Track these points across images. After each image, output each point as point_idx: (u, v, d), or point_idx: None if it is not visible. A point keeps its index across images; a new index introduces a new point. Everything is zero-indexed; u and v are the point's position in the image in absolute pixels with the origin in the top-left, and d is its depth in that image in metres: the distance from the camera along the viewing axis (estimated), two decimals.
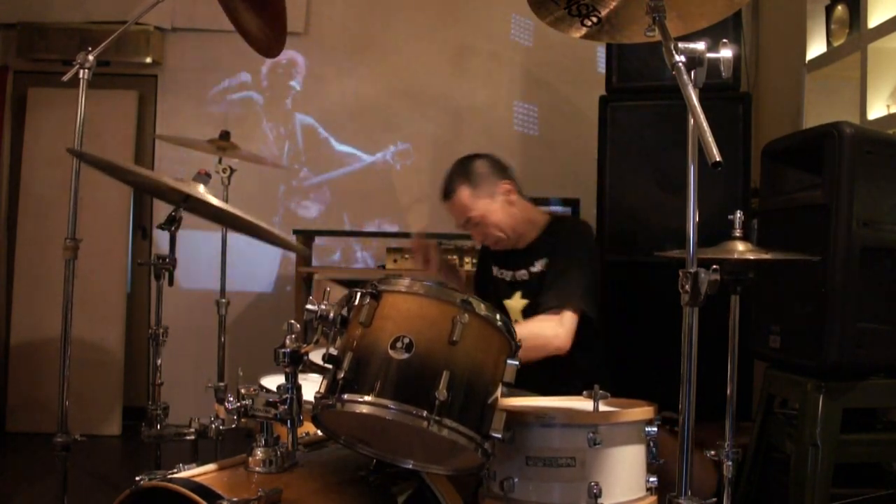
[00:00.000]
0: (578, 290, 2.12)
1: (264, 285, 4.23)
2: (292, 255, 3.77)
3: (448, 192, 2.27)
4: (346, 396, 1.33)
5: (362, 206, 4.22)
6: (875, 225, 2.03)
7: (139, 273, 4.12)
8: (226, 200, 2.81)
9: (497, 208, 2.26)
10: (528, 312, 2.25)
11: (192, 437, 1.80)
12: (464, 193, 2.24)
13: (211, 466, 1.43)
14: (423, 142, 4.21)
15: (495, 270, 2.38)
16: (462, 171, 2.28)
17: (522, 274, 2.29)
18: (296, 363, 1.44)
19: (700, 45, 1.25)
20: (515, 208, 2.28)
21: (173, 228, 1.93)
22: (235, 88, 4.24)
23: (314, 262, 3.95)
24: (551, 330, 2.07)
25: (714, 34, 1.34)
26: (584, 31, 1.52)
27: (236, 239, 3.85)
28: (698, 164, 1.24)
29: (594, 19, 1.48)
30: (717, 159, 1.12)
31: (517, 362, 1.46)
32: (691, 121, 1.22)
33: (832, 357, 1.99)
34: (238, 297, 4.13)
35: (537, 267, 2.26)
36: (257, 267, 4.20)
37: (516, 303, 2.29)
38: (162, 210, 1.87)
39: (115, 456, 3.72)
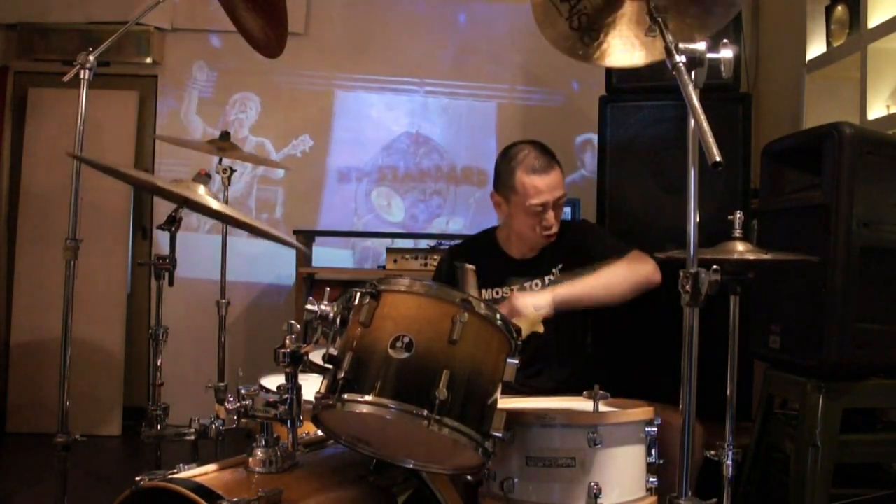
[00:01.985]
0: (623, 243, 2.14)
1: (264, 285, 4.23)
2: (292, 256, 3.78)
3: (549, 162, 2.14)
4: (346, 396, 1.33)
5: (363, 206, 4.22)
6: (875, 225, 2.03)
7: (139, 273, 4.12)
8: (226, 201, 2.81)
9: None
10: (548, 321, 2.10)
11: (192, 438, 1.79)
12: (559, 170, 2.16)
13: (211, 467, 1.43)
14: (423, 143, 4.20)
15: (485, 293, 2.19)
16: (553, 153, 2.20)
17: (534, 284, 2.17)
18: (296, 363, 1.44)
19: (700, 46, 1.25)
20: None
21: (173, 228, 1.93)
22: (236, 89, 4.24)
23: (314, 263, 3.95)
24: (643, 265, 2.03)
25: (714, 34, 1.35)
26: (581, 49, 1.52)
27: (236, 239, 3.87)
28: (698, 165, 1.24)
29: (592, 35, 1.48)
30: (718, 159, 1.12)
31: (517, 361, 1.46)
32: (691, 121, 1.22)
33: (832, 357, 1.99)
34: (238, 297, 4.14)
35: (554, 275, 2.17)
36: (257, 267, 4.20)
37: (528, 317, 2.14)
38: (162, 210, 1.87)
39: (115, 456, 3.72)
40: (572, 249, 2.19)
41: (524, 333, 2.13)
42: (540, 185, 2.11)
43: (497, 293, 2.20)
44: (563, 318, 2.15)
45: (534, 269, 2.19)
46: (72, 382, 2.13)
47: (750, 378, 2.82)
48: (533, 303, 1.94)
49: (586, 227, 2.30)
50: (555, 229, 2.16)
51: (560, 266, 2.18)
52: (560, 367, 2.15)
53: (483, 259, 2.21)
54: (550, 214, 2.13)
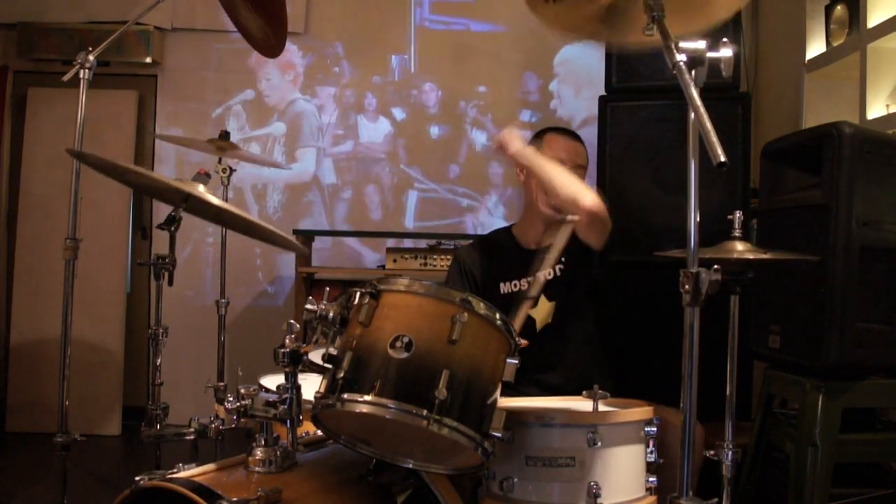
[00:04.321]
0: None
1: (264, 285, 4.23)
2: (292, 255, 3.78)
3: (577, 136, 2.33)
4: (345, 396, 1.33)
5: (362, 206, 4.22)
6: (874, 225, 2.03)
7: (139, 273, 4.12)
8: (225, 200, 2.81)
9: None
10: (559, 315, 2.17)
11: (192, 437, 1.80)
12: (585, 150, 2.32)
13: (211, 466, 1.43)
14: (422, 142, 4.21)
15: (505, 287, 2.22)
16: None
17: (548, 273, 2.15)
18: (295, 363, 1.44)
19: (701, 45, 1.24)
20: None
21: (173, 228, 1.93)
22: (235, 88, 4.24)
23: (314, 262, 3.95)
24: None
25: (714, 34, 1.34)
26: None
27: (236, 239, 3.86)
28: (699, 164, 1.24)
29: None
30: (723, 160, 1.11)
31: (517, 361, 1.46)
32: (692, 120, 1.22)
33: (832, 357, 1.99)
34: (238, 297, 4.14)
35: (563, 263, 2.19)
36: (257, 267, 4.20)
37: (544, 308, 2.18)
38: (162, 210, 1.87)
39: (115, 456, 3.72)
40: (578, 242, 2.20)
41: (539, 326, 2.16)
42: (564, 143, 2.27)
43: (515, 286, 2.21)
44: (569, 307, 2.17)
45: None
46: (71, 382, 2.13)
47: (749, 378, 2.82)
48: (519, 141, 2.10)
49: None
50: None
51: (565, 257, 2.18)
52: (572, 364, 2.15)
53: (498, 254, 2.27)
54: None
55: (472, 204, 4.18)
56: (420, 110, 4.21)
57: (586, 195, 1.99)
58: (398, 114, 4.22)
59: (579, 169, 2.23)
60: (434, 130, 4.22)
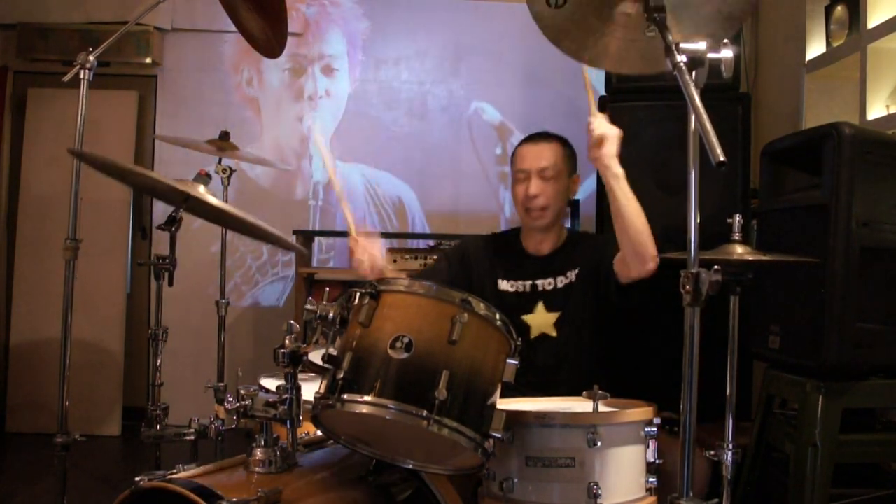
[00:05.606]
0: None
1: (264, 285, 4.23)
2: (292, 256, 3.78)
3: (543, 136, 2.22)
4: (345, 396, 1.33)
5: (361, 207, 4.22)
6: (874, 225, 2.03)
7: (139, 273, 4.12)
8: (225, 201, 2.81)
9: (563, 187, 2.20)
10: (562, 326, 2.13)
11: (192, 438, 1.80)
12: (557, 149, 2.19)
13: (211, 467, 1.43)
14: (422, 143, 4.21)
15: (504, 284, 2.19)
16: (562, 138, 2.25)
17: (548, 283, 2.16)
18: (295, 363, 1.44)
19: (701, 46, 1.24)
20: (565, 203, 2.24)
21: (173, 229, 1.93)
22: (235, 89, 4.24)
23: (314, 263, 3.95)
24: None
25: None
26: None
27: (236, 239, 3.86)
28: (699, 165, 1.24)
29: None
30: (722, 159, 1.11)
31: (517, 361, 1.46)
32: (692, 121, 1.22)
33: (831, 357, 1.99)
34: (238, 297, 4.14)
35: (569, 277, 2.16)
36: (257, 266, 4.20)
37: (541, 317, 2.14)
38: (162, 210, 1.87)
39: (115, 456, 3.72)
40: (590, 255, 2.18)
41: (533, 334, 2.15)
42: (524, 151, 2.20)
43: (512, 286, 2.19)
44: (575, 323, 2.15)
45: (548, 267, 2.19)
46: (71, 382, 2.13)
47: (749, 378, 2.82)
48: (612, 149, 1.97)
49: (608, 239, 2.21)
50: (537, 207, 2.16)
51: (577, 270, 2.16)
52: (575, 373, 2.12)
53: (502, 252, 2.27)
54: (533, 183, 2.15)
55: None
56: None
57: (651, 251, 1.94)
58: (399, 116, 4.23)
59: (544, 172, 2.15)
60: (434, 131, 4.22)
